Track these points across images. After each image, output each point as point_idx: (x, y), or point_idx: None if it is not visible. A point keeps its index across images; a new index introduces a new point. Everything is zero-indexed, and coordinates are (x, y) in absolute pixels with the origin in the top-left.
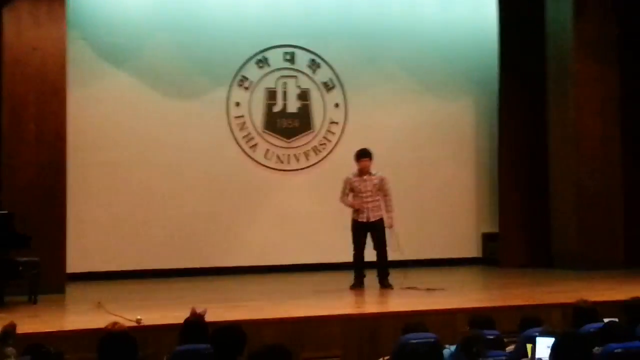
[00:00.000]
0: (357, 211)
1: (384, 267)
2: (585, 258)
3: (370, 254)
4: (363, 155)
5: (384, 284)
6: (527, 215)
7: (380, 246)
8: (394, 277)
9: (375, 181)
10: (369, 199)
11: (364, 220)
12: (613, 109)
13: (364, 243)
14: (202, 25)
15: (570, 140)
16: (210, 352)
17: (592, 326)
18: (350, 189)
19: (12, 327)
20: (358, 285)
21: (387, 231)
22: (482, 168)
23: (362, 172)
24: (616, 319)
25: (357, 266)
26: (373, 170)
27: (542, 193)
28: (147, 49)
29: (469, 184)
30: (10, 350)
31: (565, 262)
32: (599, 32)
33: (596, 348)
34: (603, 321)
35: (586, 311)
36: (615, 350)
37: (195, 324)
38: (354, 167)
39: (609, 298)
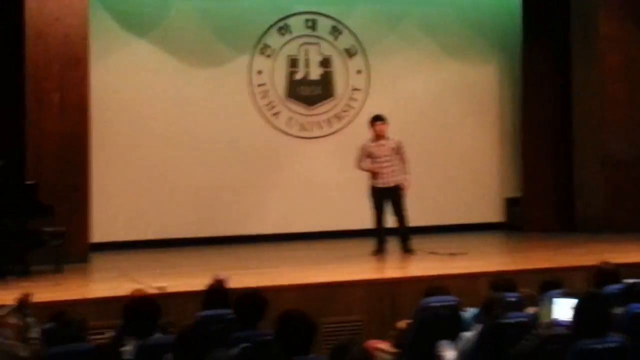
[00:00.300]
0: (375, 176)
1: (405, 231)
2: (610, 222)
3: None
4: (378, 119)
5: (406, 249)
6: (551, 180)
7: (400, 211)
8: (416, 242)
9: (393, 145)
10: (387, 164)
11: (383, 185)
12: (639, 72)
13: (384, 208)
14: None
15: (595, 103)
16: (232, 318)
17: (614, 287)
18: (367, 155)
19: (26, 297)
20: (380, 251)
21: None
22: (506, 133)
23: (379, 136)
24: (637, 280)
25: (379, 232)
26: (389, 134)
27: (566, 158)
28: (168, 18)
29: (493, 149)
30: (31, 320)
31: (589, 226)
32: None
33: (617, 308)
34: (621, 282)
35: (608, 272)
36: (637, 310)
37: (217, 290)
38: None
39: (633, 260)
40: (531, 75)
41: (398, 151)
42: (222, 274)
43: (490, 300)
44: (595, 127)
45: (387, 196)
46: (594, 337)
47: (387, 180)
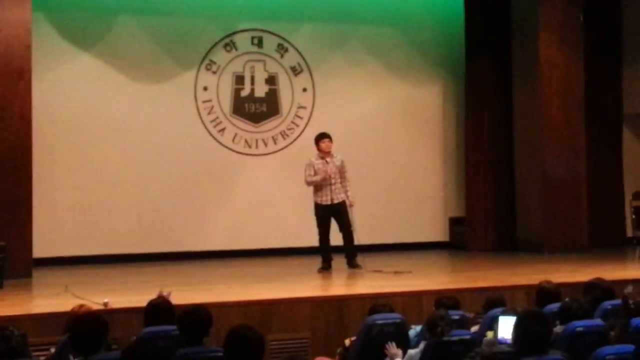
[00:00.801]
0: (319, 194)
1: (351, 248)
2: (549, 243)
3: (335, 238)
4: (325, 136)
5: (353, 264)
6: (493, 200)
7: (346, 227)
8: (360, 260)
9: (338, 163)
10: (332, 181)
11: (328, 202)
12: (578, 95)
13: (329, 226)
14: (170, 8)
15: (535, 125)
16: (177, 334)
17: (555, 306)
18: (314, 172)
19: None
20: (326, 268)
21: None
22: (449, 153)
23: (325, 154)
24: (574, 298)
25: (324, 249)
26: (333, 152)
27: (508, 178)
28: (113, 32)
29: (436, 169)
30: None
31: (530, 246)
32: (564, 17)
33: (558, 327)
34: (564, 301)
35: (549, 291)
36: (577, 329)
37: (159, 305)
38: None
39: (572, 280)
40: (474, 96)
41: (341, 169)
42: (165, 290)
43: (433, 318)
44: (534, 149)
45: (332, 213)
46: (535, 354)
47: (333, 197)
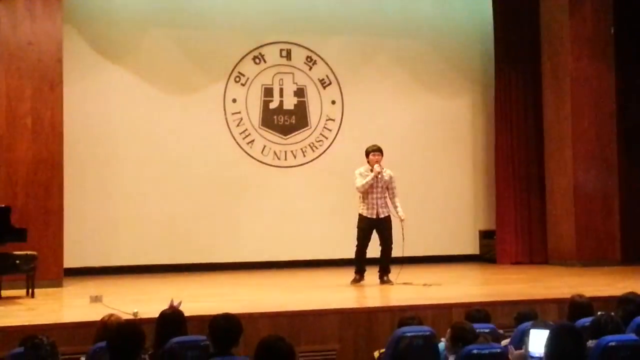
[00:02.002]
0: (366, 206)
1: (387, 264)
2: (581, 256)
3: (371, 250)
4: (378, 150)
5: (384, 280)
6: (523, 212)
7: (387, 243)
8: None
9: (386, 178)
10: (379, 195)
11: (374, 215)
12: (609, 107)
13: (369, 239)
14: (199, 20)
15: (565, 137)
16: (206, 344)
17: (586, 320)
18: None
19: None
20: (359, 280)
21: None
22: (479, 165)
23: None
24: (606, 312)
25: (360, 261)
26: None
27: (538, 190)
28: (143, 45)
29: (466, 182)
30: None
31: (561, 259)
32: (594, 29)
33: (590, 341)
34: (596, 315)
35: (582, 305)
36: (610, 344)
37: (171, 315)
38: (352, 164)
39: (605, 294)
40: (503, 108)
41: (390, 184)
42: (175, 300)
43: (456, 330)
44: (565, 162)
45: (375, 227)
46: None
47: (379, 211)
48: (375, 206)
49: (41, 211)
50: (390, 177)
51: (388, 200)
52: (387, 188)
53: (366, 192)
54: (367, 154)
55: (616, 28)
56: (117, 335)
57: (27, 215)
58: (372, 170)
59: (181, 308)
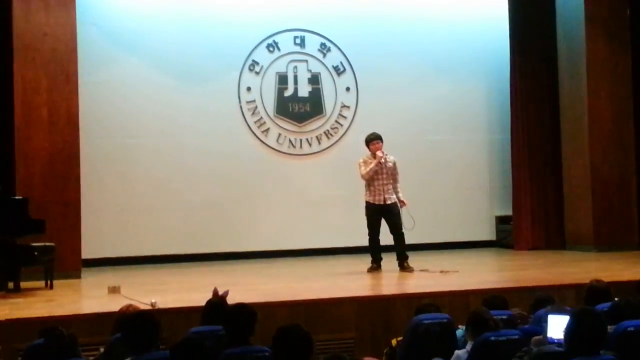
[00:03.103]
0: (372, 193)
1: (402, 250)
2: (598, 240)
3: (386, 238)
4: (378, 138)
5: (404, 267)
6: (540, 197)
7: (398, 229)
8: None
9: (390, 164)
10: (385, 182)
11: (381, 202)
12: (625, 90)
13: (379, 226)
14: (212, 9)
15: (582, 121)
16: (223, 334)
17: (605, 305)
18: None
19: None
20: (375, 268)
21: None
22: (495, 151)
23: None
24: (625, 297)
25: (374, 249)
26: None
27: (555, 176)
28: (157, 34)
29: (482, 168)
30: None
31: (578, 244)
32: (609, 11)
33: (609, 327)
34: (615, 301)
35: (600, 290)
36: (629, 329)
37: (217, 304)
38: (366, 151)
39: (622, 278)
40: (519, 93)
41: (394, 171)
42: (220, 290)
43: (474, 316)
44: (582, 145)
45: (383, 213)
46: (586, 354)
47: (385, 197)
48: (382, 192)
49: (59, 202)
50: (394, 164)
51: (393, 186)
52: (392, 174)
53: (371, 179)
54: (367, 143)
55: (632, 9)
56: (131, 325)
57: (44, 207)
58: (374, 158)
59: (228, 297)
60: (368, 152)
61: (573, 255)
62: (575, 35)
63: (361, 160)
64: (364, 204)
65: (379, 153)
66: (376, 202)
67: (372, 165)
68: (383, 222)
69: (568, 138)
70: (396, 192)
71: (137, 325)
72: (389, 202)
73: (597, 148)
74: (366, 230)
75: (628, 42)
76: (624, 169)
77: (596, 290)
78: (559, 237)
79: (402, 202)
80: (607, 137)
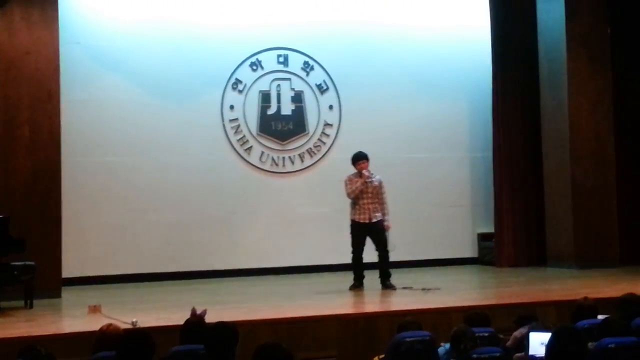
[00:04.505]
0: (357, 212)
1: (386, 268)
2: (580, 257)
3: (367, 255)
4: (364, 157)
5: (387, 285)
6: (522, 215)
7: (383, 247)
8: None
9: (376, 183)
10: (370, 200)
11: (366, 220)
12: (606, 107)
13: (364, 244)
14: (195, 28)
15: (564, 139)
16: (204, 353)
17: (586, 322)
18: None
19: None
20: (357, 286)
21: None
22: (477, 168)
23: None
24: (610, 316)
25: (357, 267)
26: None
27: (536, 193)
28: (140, 52)
29: (464, 185)
30: None
31: (560, 261)
32: (590, 30)
33: (590, 343)
34: (597, 318)
35: (588, 308)
36: (610, 345)
37: (195, 324)
38: (351, 169)
39: (604, 295)
40: (501, 110)
41: (380, 190)
42: (199, 309)
43: (456, 334)
44: (563, 162)
45: (368, 232)
46: None
47: (371, 215)
48: (367, 211)
49: (39, 221)
50: (380, 183)
51: (379, 205)
52: (377, 194)
53: (357, 198)
54: (354, 162)
55: (612, 27)
56: (126, 344)
57: (25, 225)
58: (360, 176)
59: (208, 316)
60: (353, 170)
61: (554, 272)
62: (556, 53)
63: (347, 178)
64: (347, 222)
65: (365, 172)
66: (362, 221)
67: (357, 184)
68: (368, 240)
69: (550, 155)
70: (384, 214)
71: (135, 344)
72: (374, 220)
73: (579, 165)
74: (349, 248)
75: (609, 60)
76: (606, 186)
77: (584, 308)
78: (541, 254)
79: (387, 225)
80: (588, 155)
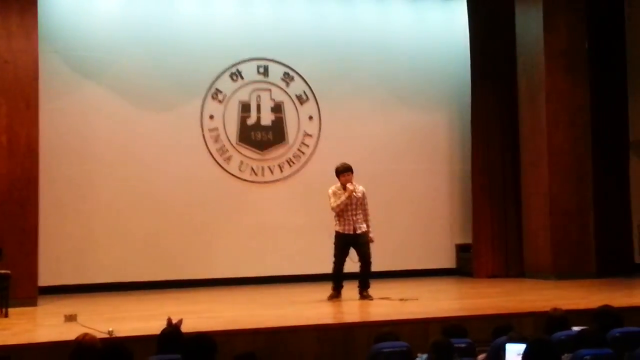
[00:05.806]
0: (342, 223)
1: (366, 279)
2: (557, 269)
3: (346, 266)
4: (348, 169)
5: (364, 295)
6: (500, 226)
7: (366, 258)
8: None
9: (359, 195)
10: (355, 212)
11: (350, 232)
12: (584, 121)
13: (347, 255)
14: (175, 37)
15: (542, 152)
16: None
17: (562, 334)
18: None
19: None
20: (335, 295)
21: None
22: (456, 180)
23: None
24: (587, 327)
25: (337, 277)
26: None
27: (515, 205)
28: (119, 62)
29: (443, 196)
30: None
31: (537, 273)
32: (568, 44)
33: (565, 355)
34: (572, 329)
35: (558, 319)
36: (585, 357)
37: (171, 333)
38: (330, 179)
39: (580, 307)
40: (480, 122)
41: (363, 202)
42: (175, 318)
43: (435, 345)
44: (541, 175)
45: (352, 243)
46: None
47: (355, 227)
48: (351, 222)
49: (16, 229)
50: (363, 194)
51: (363, 216)
52: (361, 204)
53: (341, 210)
54: (338, 174)
55: (590, 42)
56: (103, 354)
57: (1, 234)
58: (344, 189)
59: (185, 326)
60: (336, 182)
61: (532, 283)
62: (534, 68)
63: (331, 191)
64: (327, 232)
65: (349, 186)
66: (346, 232)
67: (343, 198)
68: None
69: (528, 168)
70: (367, 226)
71: (110, 354)
72: (358, 231)
73: (556, 178)
74: (327, 258)
75: (586, 74)
76: (582, 199)
77: (554, 319)
78: (519, 265)
79: (371, 238)
80: (565, 168)
